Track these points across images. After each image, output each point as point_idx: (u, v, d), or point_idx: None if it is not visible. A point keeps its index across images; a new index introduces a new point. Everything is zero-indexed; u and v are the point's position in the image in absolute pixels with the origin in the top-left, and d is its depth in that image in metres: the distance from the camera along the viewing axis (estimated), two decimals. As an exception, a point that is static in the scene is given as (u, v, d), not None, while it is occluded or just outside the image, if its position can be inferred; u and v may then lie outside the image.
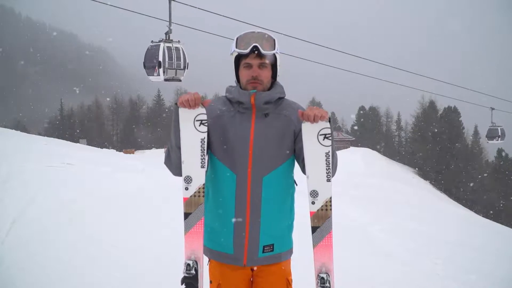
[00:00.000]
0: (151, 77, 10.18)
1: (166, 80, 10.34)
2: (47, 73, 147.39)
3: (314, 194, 1.87)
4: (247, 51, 1.89)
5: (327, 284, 1.84)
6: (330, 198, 1.86)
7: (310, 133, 1.84)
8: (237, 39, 1.93)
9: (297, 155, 1.99)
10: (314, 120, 1.79)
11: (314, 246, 1.88)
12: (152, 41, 9.80)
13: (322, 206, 1.87)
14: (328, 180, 1.85)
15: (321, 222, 1.87)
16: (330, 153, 1.85)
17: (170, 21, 9.41)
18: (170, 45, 9.61)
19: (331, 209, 1.87)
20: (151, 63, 9.72)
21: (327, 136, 1.83)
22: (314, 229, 1.88)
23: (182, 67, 10.07)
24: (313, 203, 1.87)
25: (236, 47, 1.92)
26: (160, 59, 9.46)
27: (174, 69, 9.99)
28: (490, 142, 22.24)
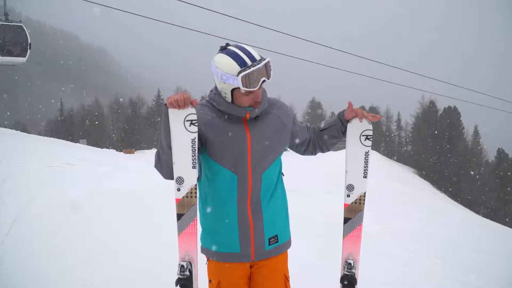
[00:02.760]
0: None
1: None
2: (47, 73, 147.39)
3: (350, 188, 2.07)
4: (257, 87, 1.85)
5: (353, 270, 2.02)
6: (365, 193, 2.07)
7: (354, 133, 2.05)
8: (241, 77, 1.82)
9: (293, 137, 2.14)
10: (362, 115, 2.03)
11: (344, 236, 2.05)
12: None
13: (356, 199, 2.07)
14: (365, 177, 2.07)
15: (353, 214, 2.06)
16: (369, 153, 2.06)
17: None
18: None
19: (364, 204, 2.07)
20: None
21: (368, 137, 2.05)
22: (346, 220, 2.07)
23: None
24: (348, 196, 2.07)
25: (243, 85, 1.82)
26: None
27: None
28: None
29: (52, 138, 15.26)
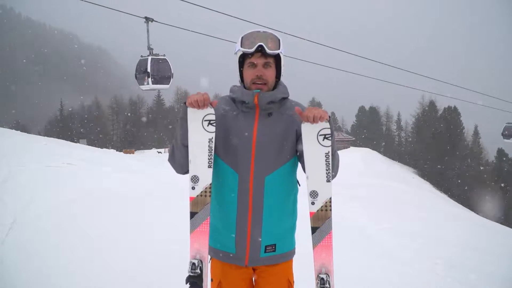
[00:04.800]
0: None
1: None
2: (47, 73, 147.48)
3: (314, 194, 1.85)
4: (252, 50, 1.88)
5: (327, 285, 1.82)
6: (330, 198, 1.85)
7: (309, 133, 1.82)
8: (242, 38, 1.92)
9: (300, 155, 1.97)
10: (313, 120, 1.77)
11: (314, 246, 1.86)
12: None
13: (322, 206, 1.85)
14: (328, 181, 1.83)
15: (321, 222, 1.86)
16: (330, 154, 1.83)
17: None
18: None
19: (331, 210, 1.85)
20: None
21: (326, 136, 1.81)
22: (314, 230, 1.86)
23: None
24: (313, 203, 1.85)
25: (241, 46, 1.91)
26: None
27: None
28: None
29: (52, 138, 15.24)
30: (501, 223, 15.82)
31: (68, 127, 63.77)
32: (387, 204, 12.71)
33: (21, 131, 17.12)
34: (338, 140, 61.63)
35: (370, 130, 67.60)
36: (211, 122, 1.87)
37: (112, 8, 9.51)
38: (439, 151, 50.10)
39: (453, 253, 6.29)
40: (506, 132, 19.00)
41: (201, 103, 1.82)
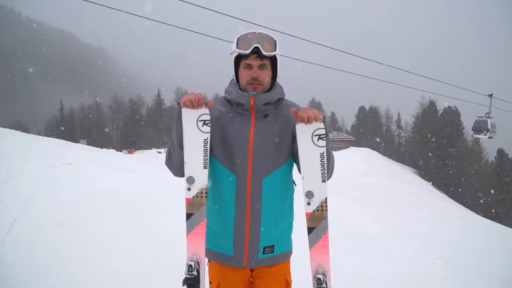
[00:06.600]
0: None
1: None
2: (47, 73, 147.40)
3: (309, 195, 1.85)
4: (248, 51, 1.86)
5: (324, 285, 1.83)
6: (326, 198, 1.85)
7: (304, 134, 1.82)
8: (238, 39, 1.90)
9: (295, 155, 1.97)
10: (308, 121, 1.77)
11: (310, 247, 1.86)
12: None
13: (317, 207, 1.85)
14: (324, 181, 1.83)
15: (317, 223, 1.85)
16: (325, 154, 1.82)
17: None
18: None
19: (326, 210, 1.85)
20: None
21: (321, 136, 1.81)
22: (310, 230, 1.86)
23: None
24: (308, 204, 1.85)
25: (237, 47, 1.89)
26: None
27: None
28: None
29: (52, 138, 15.20)
30: (501, 223, 15.82)
31: (68, 127, 63.74)
32: (387, 204, 12.71)
33: (21, 131, 17.09)
34: (338, 140, 61.68)
35: (370, 130, 67.61)
36: (206, 122, 1.85)
37: (111, 7, 9.47)
38: (439, 151, 50.08)
39: (453, 253, 6.29)
40: (476, 127, 17.56)
41: (195, 103, 1.80)
